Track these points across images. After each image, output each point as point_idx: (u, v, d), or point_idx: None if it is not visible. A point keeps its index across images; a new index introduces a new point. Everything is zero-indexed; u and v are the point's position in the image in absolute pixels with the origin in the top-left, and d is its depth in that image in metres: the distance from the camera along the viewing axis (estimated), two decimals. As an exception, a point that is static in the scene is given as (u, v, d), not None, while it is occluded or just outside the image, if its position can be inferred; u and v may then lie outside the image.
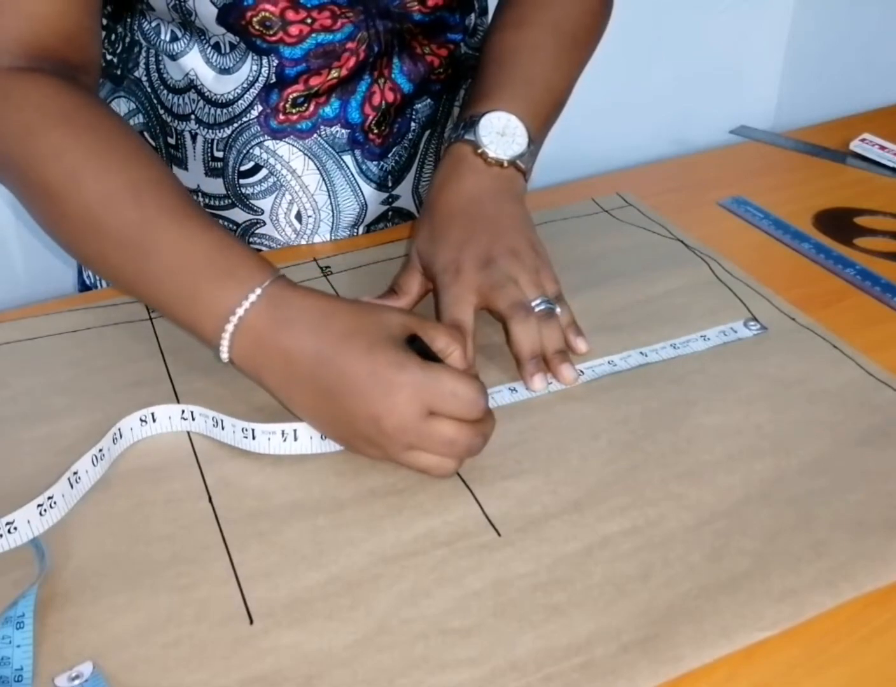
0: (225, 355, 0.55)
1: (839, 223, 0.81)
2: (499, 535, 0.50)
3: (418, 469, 0.53)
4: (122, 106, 0.78)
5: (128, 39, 0.75)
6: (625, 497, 0.52)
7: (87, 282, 0.87)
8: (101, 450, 0.54)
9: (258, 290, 0.53)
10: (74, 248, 0.60)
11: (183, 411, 0.57)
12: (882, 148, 0.92)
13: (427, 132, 0.80)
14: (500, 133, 0.67)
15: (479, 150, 0.66)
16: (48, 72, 0.61)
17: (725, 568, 0.48)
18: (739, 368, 0.62)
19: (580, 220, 0.82)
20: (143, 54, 0.75)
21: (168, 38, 0.72)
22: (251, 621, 0.45)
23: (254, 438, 0.55)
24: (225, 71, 0.72)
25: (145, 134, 0.78)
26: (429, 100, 0.78)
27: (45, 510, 0.50)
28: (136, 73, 0.75)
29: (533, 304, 0.62)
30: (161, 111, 0.76)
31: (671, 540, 0.49)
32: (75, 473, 0.52)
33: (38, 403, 0.60)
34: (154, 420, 0.57)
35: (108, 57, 0.77)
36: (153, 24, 0.72)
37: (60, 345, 0.66)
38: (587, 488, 0.53)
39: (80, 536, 0.50)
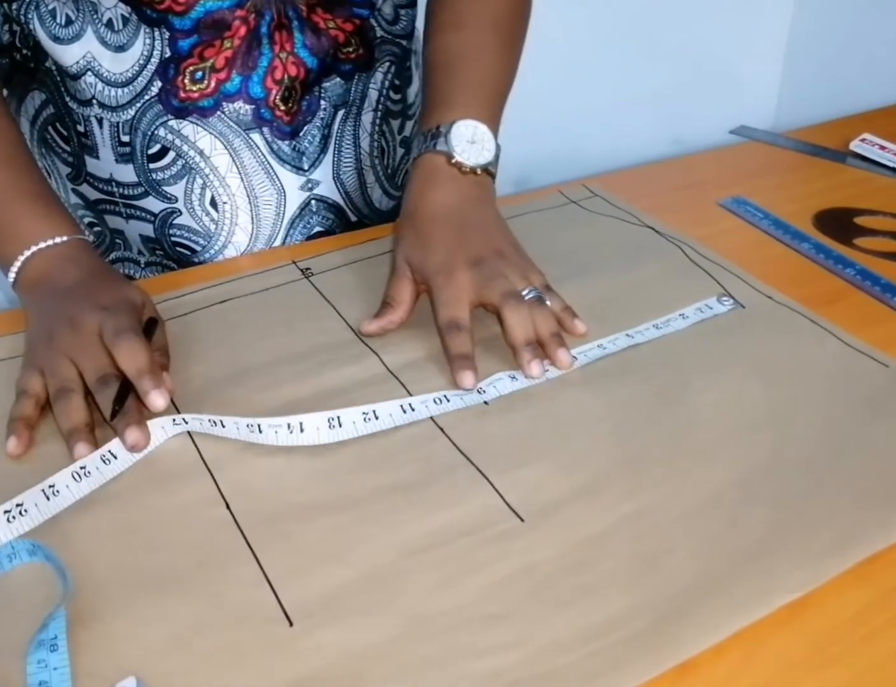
0: (12, 276, 0.64)
1: (839, 223, 0.81)
2: (522, 520, 0.51)
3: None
4: (35, 99, 0.77)
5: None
6: (637, 476, 0.54)
7: None
8: (83, 467, 0.53)
9: (66, 237, 0.64)
10: None
11: (174, 419, 0.56)
12: (882, 148, 0.93)
13: (340, 112, 0.79)
14: (471, 141, 0.69)
15: (454, 161, 0.68)
16: None
17: (744, 536, 0.49)
18: (727, 346, 0.64)
19: (550, 212, 0.83)
20: None
21: (63, 22, 0.71)
22: (290, 623, 0.45)
23: (260, 431, 0.55)
24: (120, 48, 0.71)
25: (57, 125, 0.77)
26: (338, 79, 0.78)
27: (12, 517, 0.50)
28: (46, 63, 0.74)
29: (523, 293, 0.63)
30: (67, 99, 0.75)
31: (688, 514, 0.51)
32: (52, 486, 0.51)
33: (31, 421, 0.58)
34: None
35: (25, 52, 0.75)
36: (49, 8, 0.71)
37: (43, 361, 0.64)
38: (599, 471, 0.54)
39: (97, 551, 0.49)
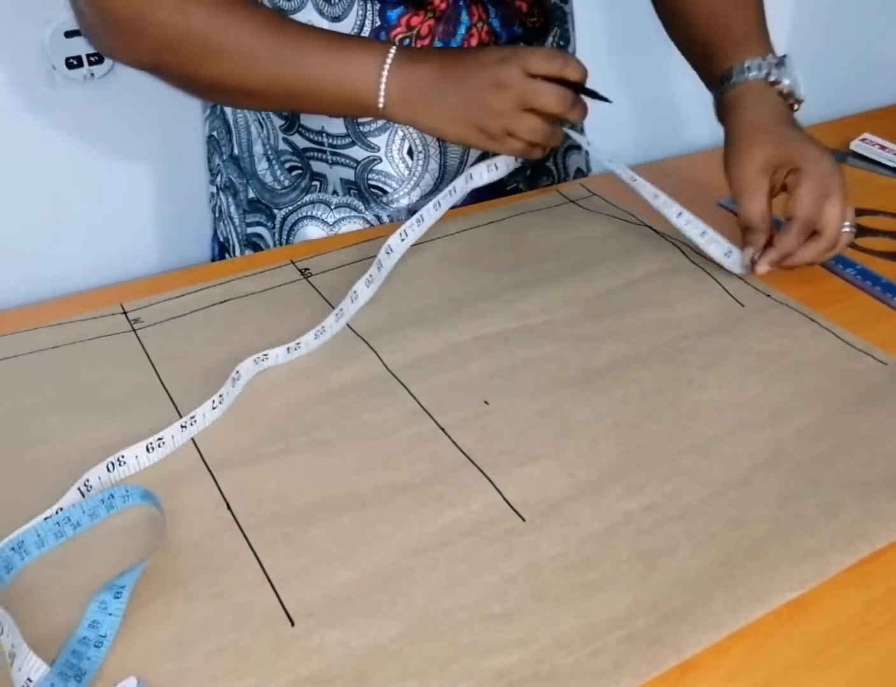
0: (381, 103, 0.71)
1: (839, 223, 0.81)
2: (523, 520, 0.51)
3: (514, 133, 0.71)
4: None
5: None
6: (638, 475, 0.54)
7: (223, 241, 0.96)
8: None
9: (392, 50, 0.70)
10: (239, 80, 0.72)
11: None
12: (882, 148, 0.93)
13: None
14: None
15: (787, 91, 0.77)
16: None
17: (746, 535, 0.49)
18: (725, 344, 0.64)
19: (549, 211, 0.83)
20: None
21: None
22: (292, 623, 0.45)
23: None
24: (335, 19, 0.76)
25: None
26: (522, 44, 0.84)
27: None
28: None
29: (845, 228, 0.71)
30: None
31: (690, 512, 0.51)
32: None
33: (33, 424, 0.58)
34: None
35: None
36: None
37: (43, 362, 0.64)
38: (601, 469, 0.54)
39: (100, 552, 0.49)
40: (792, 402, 0.59)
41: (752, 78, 0.76)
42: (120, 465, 0.54)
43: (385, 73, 0.70)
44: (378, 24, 0.76)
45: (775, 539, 0.49)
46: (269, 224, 0.89)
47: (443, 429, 0.57)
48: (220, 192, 0.95)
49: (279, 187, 0.87)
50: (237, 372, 0.59)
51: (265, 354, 0.61)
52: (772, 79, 0.76)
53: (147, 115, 1.12)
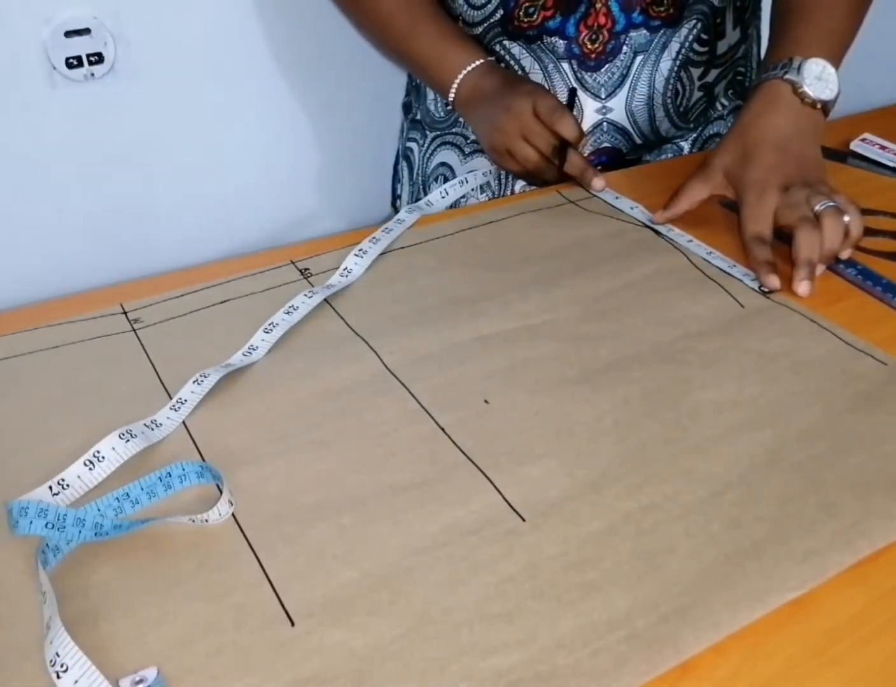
0: (451, 97, 0.90)
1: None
2: (523, 520, 0.51)
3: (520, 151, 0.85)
4: None
5: None
6: (638, 475, 0.54)
7: (397, 191, 1.14)
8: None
9: (477, 62, 0.88)
10: (379, 42, 1.01)
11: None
12: (882, 148, 0.93)
13: (639, 57, 0.91)
14: (818, 78, 0.78)
15: (800, 90, 0.78)
16: None
17: (746, 535, 0.49)
18: (726, 344, 0.64)
19: (549, 211, 0.83)
20: None
21: None
22: (292, 623, 0.45)
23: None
24: None
25: None
26: (644, 31, 0.90)
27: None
28: None
29: (819, 206, 0.72)
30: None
31: (690, 512, 0.51)
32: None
33: (31, 424, 0.58)
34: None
35: None
36: None
37: (43, 362, 0.64)
38: (601, 469, 0.54)
39: (99, 551, 0.49)
40: (792, 402, 0.59)
41: (772, 76, 0.80)
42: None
43: (461, 76, 0.88)
44: None
45: (775, 539, 0.49)
46: (421, 141, 1.06)
47: (443, 429, 0.57)
48: (405, 115, 1.13)
49: (437, 117, 1.02)
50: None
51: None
52: (787, 77, 0.79)
53: (147, 115, 1.12)
